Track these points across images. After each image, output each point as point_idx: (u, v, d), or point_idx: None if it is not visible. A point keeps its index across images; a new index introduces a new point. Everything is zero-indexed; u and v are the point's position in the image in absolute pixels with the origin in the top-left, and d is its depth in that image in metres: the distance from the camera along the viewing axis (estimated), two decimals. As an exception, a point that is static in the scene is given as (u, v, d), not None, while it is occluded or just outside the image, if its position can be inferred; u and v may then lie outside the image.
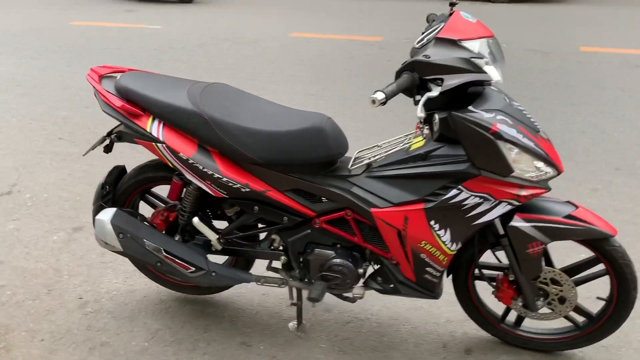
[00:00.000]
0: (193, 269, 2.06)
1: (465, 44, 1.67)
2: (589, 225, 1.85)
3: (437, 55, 1.65)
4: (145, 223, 2.17)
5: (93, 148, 2.15)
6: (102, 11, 9.57)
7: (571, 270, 2.03)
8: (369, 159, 1.96)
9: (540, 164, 1.76)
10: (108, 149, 2.15)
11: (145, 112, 1.99)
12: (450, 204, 1.81)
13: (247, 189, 1.95)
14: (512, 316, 2.19)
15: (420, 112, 1.60)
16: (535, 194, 1.78)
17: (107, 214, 2.06)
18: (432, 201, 1.82)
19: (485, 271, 2.10)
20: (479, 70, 1.66)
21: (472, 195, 1.78)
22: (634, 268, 1.93)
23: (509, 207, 1.81)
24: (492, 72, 1.69)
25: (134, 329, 2.31)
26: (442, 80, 1.65)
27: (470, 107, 1.71)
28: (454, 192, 1.79)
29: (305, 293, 2.15)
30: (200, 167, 1.94)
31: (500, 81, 1.72)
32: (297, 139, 1.88)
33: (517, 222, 1.85)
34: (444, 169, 1.80)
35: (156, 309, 2.43)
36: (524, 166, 1.74)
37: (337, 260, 1.99)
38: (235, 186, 1.94)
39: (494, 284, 2.06)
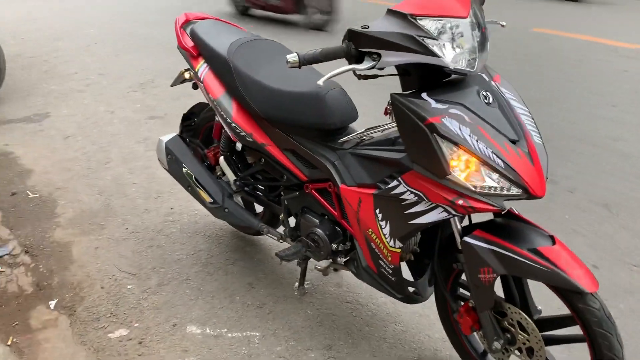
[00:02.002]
0: (211, 200, 2.33)
1: (420, 21, 1.48)
2: (557, 269, 1.49)
3: (379, 27, 1.50)
4: (192, 152, 2.48)
5: (176, 81, 2.54)
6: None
7: (545, 322, 1.66)
8: (365, 135, 1.91)
9: (494, 176, 1.48)
10: (194, 86, 2.51)
11: (199, 55, 2.29)
12: (391, 194, 1.68)
13: (251, 139, 2.11)
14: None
15: (320, 81, 1.51)
16: (479, 208, 1.52)
17: (167, 137, 2.46)
18: (380, 188, 1.71)
19: (463, 290, 1.87)
20: (426, 51, 1.46)
21: (409, 190, 1.63)
22: (617, 340, 1.48)
23: (444, 215, 1.59)
24: (447, 58, 1.47)
25: (185, 243, 2.73)
26: (379, 55, 1.51)
27: (423, 94, 1.54)
28: (394, 182, 1.66)
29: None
30: (219, 110, 2.18)
31: (461, 69, 1.49)
32: (295, 100, 1.95)
33: (472, 239, 1.60)
34: (388, 156, 1.67)
35: (212, 235, 2.80)
36: (475, 173, 1.49)
37: (317, 230, 2.02)
38: (241, 133, 2.13)
39: (456, 305, 1.82)
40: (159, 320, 2.24)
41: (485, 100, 1.56)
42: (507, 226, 1.64)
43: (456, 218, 1.64)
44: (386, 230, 1.74)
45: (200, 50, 2.27)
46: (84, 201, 3.07)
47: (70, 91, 4.69)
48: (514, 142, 1.54)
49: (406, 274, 1.93)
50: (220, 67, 2.15)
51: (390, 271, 1.84)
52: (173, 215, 2.95)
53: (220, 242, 2.75)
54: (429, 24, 1.48)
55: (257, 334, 2.18)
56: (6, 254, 2.61)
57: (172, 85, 2.56)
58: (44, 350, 2.08)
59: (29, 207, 3.01)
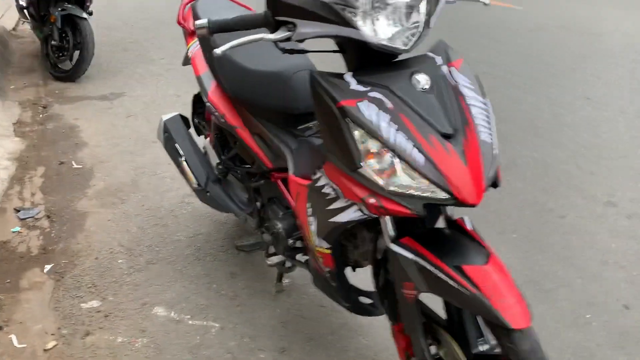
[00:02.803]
0: (196, 182, 2.28)
1: None
2: (479, 295, 1.22)
3: None
4: (188, 133, 2.44)
5: (185, 61, 2.51)
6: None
7: (481, 358, 1.37)
8: None
9: (412, 174, 1.25)
10: (184, 62, 2.41)
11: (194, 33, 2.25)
12: (316, 186, 1.51)
13: (223, 120, 2.02)
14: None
15: (218, 50, 1.36)
16: (392, 210, 1.28)
17: (168, 116, 2.45)
18: (311, 180, 1.54)
19: None
20: (343, 21, 1.27)
21: (328, 183, 1.44)
22: None
23: (359, 214, 1.37)
24: (366, 30, 1.26)
25: (189, 225, 2.74)
26: (294, 25, 1.33)
27: (347, 74, 1.34)
28: (319, 173, 1.48)
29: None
30: (200, 88, 2.12)
31: (387, 46, 1.28)
32: (260, 80, 1.84)
33: (398, 247, 1.36)
34: (316, 143, 1.50)
35: (218, 221, 2.77)
36: (388, 169, 1.27)
37: (277, 222, 1.89)
38: (215, 113, 2.05)
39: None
40: (131, 297, 2.24)
41: (420, 86, 1.32)
42: (445, 237, 1.38)
43: (388, 220, 1.40)
44: (313, 228, 1.56)
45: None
46: (117, 176, 3.19)
47: (150, 74, 4.93)
48: (447, 136, 1.28)
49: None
50: (205, 43, 2.08)
51: (328, 275, 1.65)
52: (190, 198, 2.96)
53: (221, 229, 2.70)
54: None
55: (217, 325, 2.10)
56: (30, 217, 2.78)
57: (183, 65, 2.56)
58: (21, 310, 2.17)
59: (69, 176, 3.20)
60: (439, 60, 1.42)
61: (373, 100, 1.29)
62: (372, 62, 1.38)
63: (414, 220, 1.43)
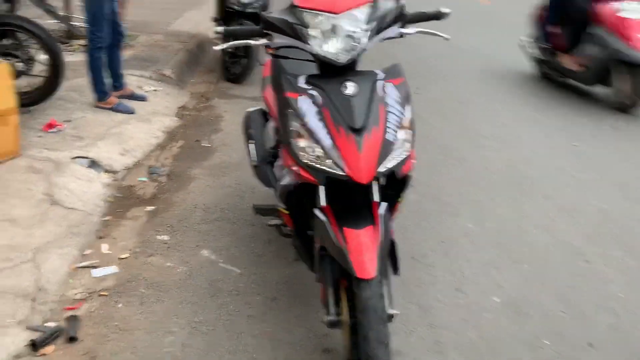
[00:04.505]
0: (255, 160, 2.86)
1: (303, 12, 1.75)
2: (344, 247, 1.60)
3: (277, 14, 1.83)
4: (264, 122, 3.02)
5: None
6: None
7: None
8: None
9: (318, 151, 1.67)
10: None
11: None
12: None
13: (269, 112, 2.58)
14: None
15: (216, 47, 1.89)
16: (304, 177, 1.71)
17: (252, 109, 3.07)
18: None
19: None
20: (297, 36, 1.74)
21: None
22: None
23: (289, 180, 1.80)
24: (314, 45, 1.72)
25: (257, 200, 3.31)
26: (272, 36, 1.84)
27: (302, 75, 1.81)
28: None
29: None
30: (262, 87, 2.71)
31: (324, 57, 1.71)
32: None
33: (317, 211, 1.77)
34: None
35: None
36: (303, 144, 1.70)
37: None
38: (266, 108, 2.62)
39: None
40: (191, 239, 2.89)
41: (346, 91, 1.72)
42: (356, 212, 1.74)
43: (321, 190, 1.80)
44: (276, 191, 2.02)
45: None
46: (230, 156, 3.93)
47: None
48: (354, 129, 1.66)
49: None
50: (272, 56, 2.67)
51: (292, 234, 2.08)
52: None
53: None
54: (308, 16, 1.75)
55: (239, 271, 2.65)
56: (155, 173, 3.65)
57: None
58: (117, 230, 2.97)
59: (197, 151, 4.04)
60: (381, 76, 1.80)
61: (309, 96, 1.73)
62: (328, 69, 1.82)
63: (343, 196, 1.82)
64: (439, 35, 1.97)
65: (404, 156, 1.73)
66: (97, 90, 4.31)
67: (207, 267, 2.67)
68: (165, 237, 2.91)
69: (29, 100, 4.02)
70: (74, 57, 5.17)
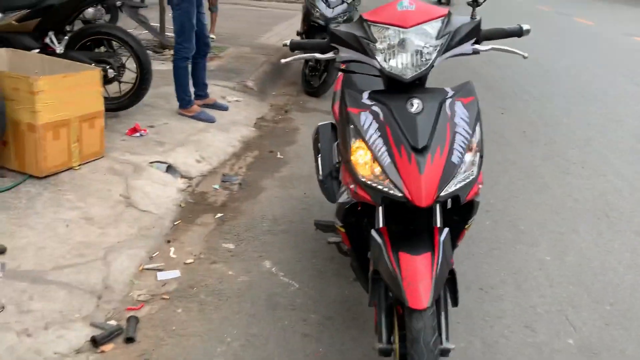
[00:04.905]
0: (321, 175, 2.82)
1: (371, 26, 1.70)
2: (398, 273, 1.51)
3: (345, 28, 1.79)
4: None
5: None
6: None
7: None
8: None
9: (377, 171, 1.60)
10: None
11: None
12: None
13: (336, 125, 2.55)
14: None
15: (283, 60, 1.87)
16: (361, 196, 1.65)
17: (323, 123, 3.05)
18: None
19: None
20: (364, 51, 1.69)
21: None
22: None
23: (347, 197, 1.74)
24: (380, 60, 1.66)
25: (324, 215, 3.27)
26: (338, 50, 1.80)
27: (367, 91, 1.76)
28: None
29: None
30: (332, 100, 2.69)
31: (391, 73, 1.66)
32: None
33: (374, 232, 1.70)
34: None
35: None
36: (362, 161, 1.64)
37: None
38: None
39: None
40: (256, 249, 2.90)
41: (411, 108, 1.64)
42: (414, 236, 1.66)
43: (380, 209, 1.72)
44: (335, 207, 1.96)
45: None
46: (302, 169, 3.94)
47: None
48: (417, 149, 1.58)
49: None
50: (344, 72, 2.64)
51: (350, 253, 2.02)
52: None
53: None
54: (376, 30, 1.70)
55: (297, 285, 2.61)
56: (228, 182, 3.72)
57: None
58: (186, 235, 3.02)
59: (270, 161, 4.08)
60: (450, 94, 1.70)
61: (372, 112, 1.67)
62: (395, 86, 1.75)
63: (403, 218, 1.73)
64: (516, 53, 1.85)
65: (470, 180, 1.62)
66: (180, 99, 4.48)
67: (268, 278, 2.66)
68: (231, 246, 2.93)
69: (118, 105, 4.24)
70: (165, 66, 5.42)
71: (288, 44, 1.96)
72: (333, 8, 5.65)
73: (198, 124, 4.46)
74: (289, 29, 8.46)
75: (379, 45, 1.68)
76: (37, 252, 2.55)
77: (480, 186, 1.72)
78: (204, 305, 2.46)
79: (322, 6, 5.65)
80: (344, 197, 1.81)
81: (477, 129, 1.67)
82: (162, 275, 2.65)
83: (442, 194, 1.57)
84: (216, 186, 3.64)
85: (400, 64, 1.66)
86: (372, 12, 1.77)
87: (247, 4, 11.89)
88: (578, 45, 8.99)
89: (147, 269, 2.69)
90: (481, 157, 1.68)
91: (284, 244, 2.96)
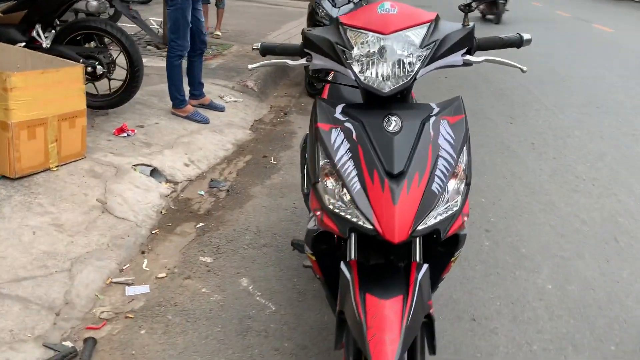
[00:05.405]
0: (305, 189, 2.62)
1: (347, 31, 1.50)
2: (363, 321, 1.31)
3: (320, 32, 1.58)
4: None
5: None
6: None
7: None
8: None
9: (346, 198, 1.40)
10: None
11: None
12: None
13: None
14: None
15: (250, 66, 1.68)
16: (327, 225, 1.45)
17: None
18: None
19: None
20: (338, 59, 1.49)
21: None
22: None
23: (314, 225, 1.53)
24: (355, 71, 1.46)
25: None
26: (311, 57, 1.60)
27: (340, 105, 1.56)
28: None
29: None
30: None
31: (368, 86, 1.45)
32: None
33: (343, 265, 1.49)
34: None
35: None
36: (330, 185, 1.44)
37: None
38: None
39: None
40: (234, 264, 2.71)
41: (389, 126, 1.44)
42: (387, 271, 1.45)
43: (352, 240, 1.52)
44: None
45: None
46: (293, 177, 3.73)
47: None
48: (392, 175, 1.38)
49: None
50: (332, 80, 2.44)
51: (321, 283, 1.81)
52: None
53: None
54: (353, 35, 1.49)
55: (274, 308, 2.41)
56: (216, 188, 3.53)
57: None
58: (162, 246, 2.84)
59: (262, 167, 3.88)
60: (435, 110, 1.49)
61: (344, 130, 1.46)
62: (374, 99, 1.54)
63: (378, 249, 1.53)
64: (514, 66, 1.63)
65: (453, 212, 1.41)
66: (173, 98, 4.30)
67: (242, 298, 2.46)
68: (208, 260, 2.74)
69: (108, 103, 4.07)
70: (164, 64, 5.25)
71: (258, 47, 1.76)
72: (339, 8, 5.45)
73: (191, 125, 4.28)
74: (299, 27, 8.24)
75: (355, 53, 1.47)
76: (-5, 261, 2.38)
77: (465, 218, 1.51)
78: (170, 326, 2.27)
79: (327, 5, 5.45)
80: (311, 224, 1.61)
81: (464, 152, 1.46)
82: (130, 290, 2.47)
83: (419, 227, 1.36)
84: (202, 192, 3.45)
85: (379, 75, 1.45)
86: (351, 15, 1.56)
87: (258, 1, 11.71)
88: (596, 54, 8.69)
89: (115, 283, 2.51)
90: (467, 184, 1.47)
91: (265, 259, 2.76)
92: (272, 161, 4.00)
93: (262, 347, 2.17)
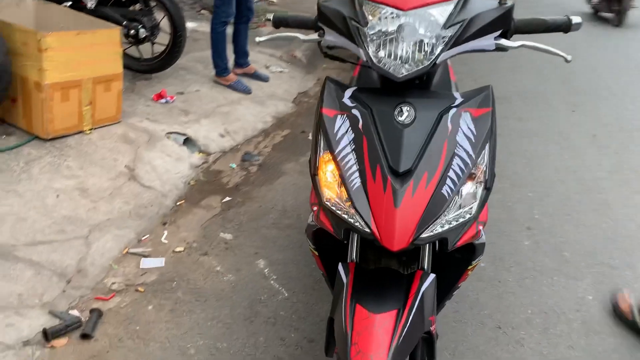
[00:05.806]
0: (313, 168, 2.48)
1: (364, 4, 1.32)
2: (349, 334, 1.17)
3: (334, 4, 1.41)
4: None
5: None
6: None
7: None
8: None
9: (343, 197, 1.25)
10: None
11: None
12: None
13: None
14: None
15: (258, 38, 1.54)
16: (323, 223, 1.30)
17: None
18: None
19: None
20: (350, 36, 1.33)
21: None
22: None
23: (311, 219, 1.40)
24: (369, 52, 1.29)
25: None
26: (324, 32, 1.44)
27: (351, 88, 1.40)
28: None
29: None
30: None
31: (381, 69, 1.29)
32: None
33: (340, 266, 1.35)
34: None
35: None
36: (331, 183, 1.30)
37: None
38: None
39: None
40: (252, 244, 2.62)
41: (400, 117, 1.27)
42: (388, 279, 1.30)
43: (355, 236, 1.38)
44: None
45: None
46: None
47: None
48: (396, 173, 1.21)
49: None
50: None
51: (324, 278, 1.69)
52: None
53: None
54: (372, 9, 1.32)
55: (287, 294, 2.31)
56: (248, 161, 3.44)
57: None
58: (184, 218, 2.79)
59: (299, 143, 3.76)
60: (457, 101, 1.30)
61: (350, 117, 1.30)
62: (389, 84, 1.37)
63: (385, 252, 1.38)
64: (557, 54, 1.40)
65: (465, 219, 1.23)
66: (216, 65, 4.21)
67: (256, 281, 2.37)
68: (228, 236, 2.67)
69: (150, 67, 4.03)
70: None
71: (269, 18, 1.61)
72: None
73: (232, 94, 4.19)
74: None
75: (369, 31, 1.29)
76: (15, 223, 2.38)
77: (481, 227, 1.33)
78: (179, 304, 2.21)
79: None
80: (311, 218, 1.47)
81: (486, 151, 1.26)
82: (145, 263, 2.43)
83: (423, 235, 1.19)
84: (233, 165, 3.37)
85: (394, 56, 1.27)
86: None
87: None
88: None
89: (132, 253, 2.48)
90: (487, 189, 1.28)
91: (286, 241, 2.66)
92: (310, 137, 3.86)
93: (268, 335, 2.08)
